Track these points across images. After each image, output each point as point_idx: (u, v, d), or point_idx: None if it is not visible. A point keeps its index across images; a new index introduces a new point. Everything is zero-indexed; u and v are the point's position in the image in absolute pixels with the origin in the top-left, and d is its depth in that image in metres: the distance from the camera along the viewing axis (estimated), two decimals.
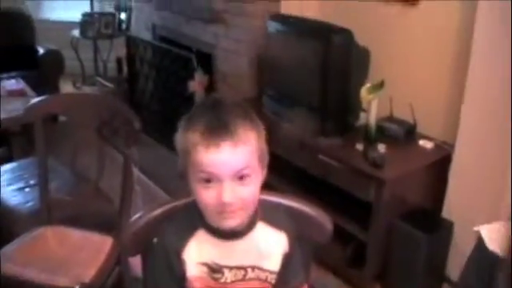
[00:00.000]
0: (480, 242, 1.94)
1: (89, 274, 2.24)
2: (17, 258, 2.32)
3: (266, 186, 1.38)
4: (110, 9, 6.04)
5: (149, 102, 4.96)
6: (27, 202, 2.86)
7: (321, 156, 2.97)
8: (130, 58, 5.13)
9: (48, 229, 2.50)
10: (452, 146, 2.83)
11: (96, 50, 6.04)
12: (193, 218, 1.37)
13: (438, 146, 2.93)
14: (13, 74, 4.18)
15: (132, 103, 4.92)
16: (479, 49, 2.58)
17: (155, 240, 1.42)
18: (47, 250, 2.41)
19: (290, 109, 3.25)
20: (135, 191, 2.53)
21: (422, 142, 2.96)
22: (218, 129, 1.23)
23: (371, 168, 2.72)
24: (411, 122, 3.01)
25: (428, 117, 3.01)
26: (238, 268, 1.39)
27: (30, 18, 5.06)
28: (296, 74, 3.15)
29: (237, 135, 1.23)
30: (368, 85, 2.92)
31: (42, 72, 4.66)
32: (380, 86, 2.87)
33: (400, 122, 3.04)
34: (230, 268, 1.38)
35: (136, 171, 2.77)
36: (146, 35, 4.97)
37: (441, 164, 2.86)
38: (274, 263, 1.41)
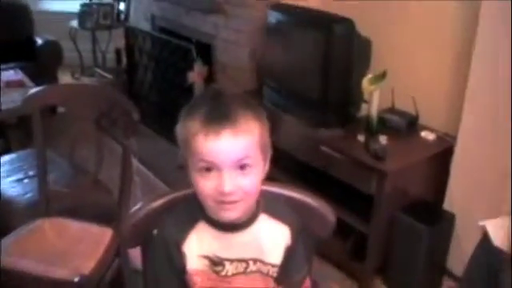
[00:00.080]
0: (485, 238, 1.92)
1: (88, 265, 2.22)
2: (15, 249, 2.30)
3: (266, 178, 1.35)
4: None
5: (148, 93, 4.95)
6: (26, 193, 2.84)
7: (322, 147, 2.95)
8: (129, 49, 5.11)
9: (46, 220, 2.49)
10: (454, 138, 2.81)
11: (95, 41, 6.00)
12: (193, 210, 1.35)
13: (439, 138, 2.92)
14: (11, 65, 4.15)
15: (131, 94, 4.91)
16: (482, 40, 2.56)
17: (155, 232, 1.40)
18: (46, 241, 2.40)
19: (291, 100, 3.23)
20: (134, 182, 2.52)
21: (423, 134, 2.94)
22: (218, 117, 1.21)
23: (373, 160, 2.70)
24: (413, 113, 2.99)
25: (430, 108, 2.99)
26: (240, 261, 1.37)
27: (29, 9, 5.03)
28: (297, 64, 3.13)
29: (237, 123, 1.21)
30: (370, 75, 2.90)
31: (41, 63, 4.64)
32: (382, 76, 2.85)
33: (402, 114, 3.01)
34: (231, 261, 1.36)
35: (135, 162, 2.75)
36: (145, 26, 4.95)
37: (443, 156, 2.84)
38: (275, 256, 1.39)
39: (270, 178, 1.37)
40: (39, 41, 4.83)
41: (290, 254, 1.40)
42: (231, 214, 1.28)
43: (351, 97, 3.01)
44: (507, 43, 2.41)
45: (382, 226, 2.82)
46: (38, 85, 3.27)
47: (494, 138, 2.57)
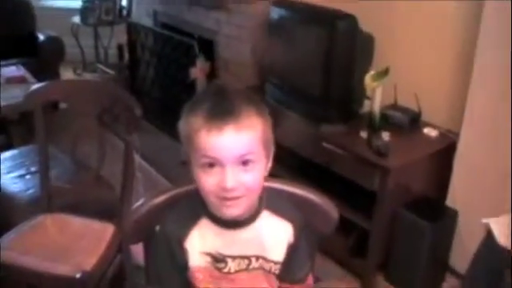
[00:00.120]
0: (489, 236, 1.91)
1: (90, 262, 2.22)
2: (17, 245, 2.30)
3: (269, 174, 1.35)
4: None
5: (150, 89, 4.94)
6: (28, 189, 2.84)
7: (324, 144, 2.94)
8: (131, 45, 5.10)
9: (48, 216, 2.49)
10: (457, 135, 2.80)
11: (97, 37, 5.99)
12: (195, 207, 1.34)
13: (442, 135, 2.91)
14: (13, 60, 4.15)
15: (133, 90, 4.90)
16: (485, 37, 2.55)
17: (157, 228, 1.39)
18: (48, 237, 2.40)
19: (293, 96, 3.22)
20: (136, 178, 2.51)
21: (426, 130, 2.93)
22: (221, 113, 1.20)
23: (375, 156, 2.69)
24: (416, 109, 2.98)
25: (433, 105, 2.98)
26: (242, 257, 1.36)
27: (30, 5, 5.02)
28: (299, 60, 3.12)
29: (240, 119, 1.20)
30: (372, 72, 2.88)
31: (43, 59, 4.63)
32: (385, 73, 2.84)
33: (404, 110, 3.01)
34: (234, 257, 1.36)
35: (137, 158, 2.75)
36: (147, 22, 4.94)
37: (445, 152, 2.83)
38: (278, 253, 1.39)
39: (272, 175, 1.37)
40: (41, 37, 4.81)
41: (292, 251, 1.40)
42: (233, 211, 1.27)
43: (354, 93, 3.01)
44: (510, 40, 2.40)
45: (384, 223, 2.81)
46: (39, 81, 3.28)
47: (497, 135, 2.56)
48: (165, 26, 4.73)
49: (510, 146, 2.45)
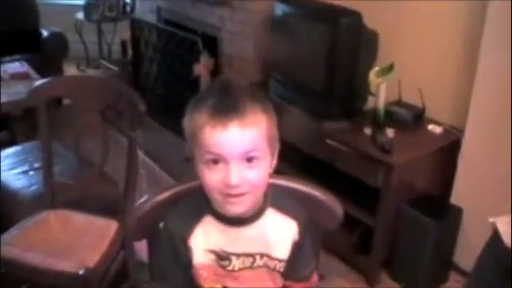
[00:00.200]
0: (495, 235, 1.89)
1: (93, 258, 2.22)
2: (20, 242, 2.30)
3: (273, 171, 1.34)
4: None
5: (153, 86, 4.93)
6: (31, 185, 2.84)
7: (328, 140, 2.94)
8: (135, 41, 5.09)
9: (51, 213, 2.48)
10: (461, 131, 2.79)
11: (100, 33, 5.99)
12: (199, 204, 1.33)
13: (446, 131, 2.90)
14: (17, 57, 4.16)
15: (136, 86, 4.90)
16: (490, 33, 2.54)
17: (161, 225, 1.38)
18: (51, 234, 2.40)
19: (297, 93, 3.21)
20: (140, 174, 2.51)
21: (430, 127, 2.92)
22: (226, 109, 1.19)
23: (379, 153, 2.69)
24: (420, 106, 2.97)
25: (437, 101, 2.97)
26: (246, 255, 1.36)
27: (34, 1, 5.01)
28: (303, 57, 3.11)
29: (245, 115, 1.20)
30: (376, 68, 2.88)
31: (46, 55, 4.62)
32: (389, 69, 2.83)
33: (409, 107, 3.00)
34: (238, 255, 1.35)
35: (141, 154, 2.74)
36: (151, 18, 4.93)
37: (450, 149, 2.83)
38: (283, 251, 1.38)
39: (275, 171, 1.36)
40: (45, 33, 4.81)
41: (297, 248, 1.39)
42: (237, 208, 1.26)
43: (358, 89, 3.00)
44: None
45: (388, 220, 2.81)
46: (43, 77, 3.27)
47: (502, 132, 2.55)
48: (168, 22, 4.72)
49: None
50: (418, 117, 2.97)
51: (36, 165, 2.95)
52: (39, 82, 2.56)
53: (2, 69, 3.75)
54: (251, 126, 1.20)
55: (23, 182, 2.87)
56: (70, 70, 5.54)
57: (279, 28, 3.29)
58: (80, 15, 5.69)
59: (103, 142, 2.49)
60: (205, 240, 1.33)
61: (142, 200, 1.49)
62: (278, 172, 1.37)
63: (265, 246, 1.36)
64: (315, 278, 1.47)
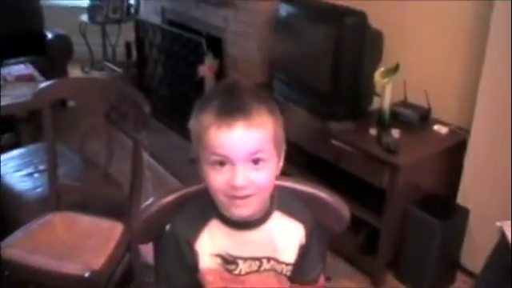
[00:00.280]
0: (503, 239, 1.88)
1: (98, 261, 2.22)
2: (25, 244, 2.30)
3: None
4: None
5: (158, 87, 4.93)
6: (36, 187, 2.83)
7: (333, 141, 2.93)
8: (139, 43, 5.09)
9: (57, 215, 2.48)
10: (467, 132, 2.78)
11: (104, 35, 6.00)
12: (205, 207, 1.32)
13: (452, 132, 2.89)
14: (21, 59, 4.16)
15: (141, 88, 4.90)
16: (496, 33, 2.53)
17: (167, 227, 1.38)
18: (56, 236, 2.40)
19: (302, 93, 3.21)
20: (145, 176, 2.50)
21: (436, 127, 2.91)
22: (232, 110, 1.18)
23: (385, 153, 2.68)
24: (426, 106, 2.97)
25: (443, 101, 2.96)
26: (253, 259, 1.35)
27: (39, 4, 5.02)
28: (308, 57, 3.10)
29: (251, 116, 1.19)
30: (382, 68, 2.87)
31: (51, 57, 4.63)
32: (394, 69, 2.82)
33: (414, 107, 2.99)
34: (245, 259, 1.34)
35: (146, 156, 2.74)
36: (155, 19, 4.93)
37: (456, 150, 2.82)
38: (290, 255, 1.37)
39: (281, 173, 1.35)
40: (49, 35, 4.81)
41: (304, 252, 1.38)
42: (243, 211, 1.26)
43: (363, 90, 2.99)
44: None
45: (394, 221, 2.79)
46: (48, 79, 3.27)
47: (508, 132, 2.54)
48: (172, 23, 4.72)
49: None
50: (424, 117, 2.96)
51: (41, 167, 2.95)
52: (44, 84, 2.56)
53: (7, 71, 3.75)
54: (257, 127, 1.19)
55: (28, 184, 2.87)
56: (75, 72, 5.55)
57: (283, 28, 3.29)
58: (84, 17, 5.70)
59: (108, 144, 2.48)
60: (211, 244, 1.32)
61: (148, 202, 1.48)
62: (282, 173, 1.36)
63: (272, 250, 1.35)
64: (322, 280, 1.46)
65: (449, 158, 2.84)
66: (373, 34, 2.93)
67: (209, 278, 1.34)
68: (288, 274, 1.38)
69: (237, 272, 1.35)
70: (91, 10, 5.62)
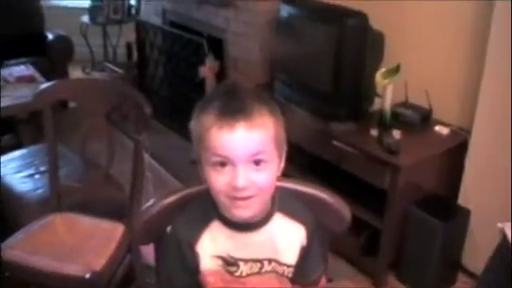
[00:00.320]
0: (504, 240, 1.88)
1: (99, 262, 2.21)
2: (25, 245, 2.30)
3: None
4: None
5: (159, 88, 4.93)
6: (37, 188, 2.83)
7: (334, 142, 2.92)
8: (140, 44, 5.09)
9: (57, 216, 2.48)
10: (468, 132, 2.78)
11: (105, 36, 6.00)
12: (206, 209, 1.32)
13: (454, 132, 2.88)
14: (22, 60, 4.16)
15: (142, 89, 4.89)
16: (498, 33, 2.52)
17: (168, 229, 1.37)
18: (57, 237, 2.39)
19: (303, 94, 3.20)
20: (146, 177, 2.50)
21: (437, 128, 2.90)
22: (233, 110, 1.18)
23: (386, 154, 2.67)
24: (427, 107, 2.96)
25: (444, 102, 2.96)
26: (254, 261, 1.34)
27: (39, 5, 5.02)
28: (309, 58, 3.10)
29: (252, 117, 1.18)
30: (383, 69, 2.87)
31: (52, 58, 4.63)
32: (396, 70, 2.82)
33: (415, 108, 2.99)
34: (246, 261, 1.34)
35: (147, 157, 2.74)
36: (156, 20, 4.93)
37: (457, 150, 2.81)
38: (291, 257, 1.37)
39: (282, 174, 1.35)
40: (50, 36, 4.81)
41: (305, 253, 1.38)
42: (244, 213, 1.25)
43: (364, 91, 2.99)
44: None
45: (395, 221, 2.79)
46: (48, 80, 3.27)
47: (509, 132, 2.53)
48: (173, 24, 4.71)
49: None
50: (425, 118, 2.95)
51: (42, 168, 2.95)
52: (45, 85, 2.56)
53: (7, 72, 3.75)
54: (258, 127, 1.19)
55: (29, 186, 2.87)
56: (76, 72, 5.55)
57: (285, 29, 3.28)
58: (85, 18, 5.70)
59: (109, 145, 2.48)
60: (212, 246, 1.32)
61: (149, 203, 1.48)
62: (284, 174, 1.35)
63: (273, 252, 1.35)
64: (323, 282, 1.46)
65: (450, 159, 2.84)
66: (374, 35, 2.93)
67: (210, 280, 1.34)
68: (289, 275, 1.38)
69: (238, 274, 1.34)
70: (92, 11, 5.62)
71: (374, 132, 2.86)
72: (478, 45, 2.71)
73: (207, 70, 4.11)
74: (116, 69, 5.89)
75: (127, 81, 5.26)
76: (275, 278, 1.37)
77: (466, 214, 2.79)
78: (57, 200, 2.50)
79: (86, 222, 2.47)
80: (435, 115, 2.97)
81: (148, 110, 2.29)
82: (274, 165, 1.25)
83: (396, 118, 2.93)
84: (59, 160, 2.55)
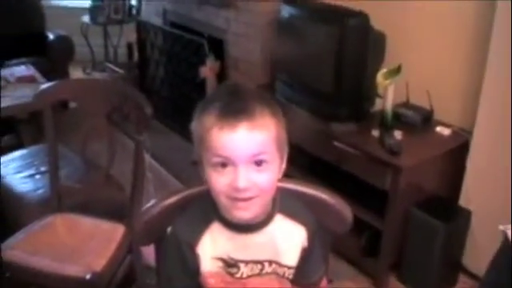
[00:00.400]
0: (506, 243, 1.88)
1: (100, 262, 2.21)
2: (26, 246, 2.29)
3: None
4: None
5: (159, 88, 4.93)
6: (37, 189, 2.83)
7: (335, 143, 2.92)
8: (141, 44, 5.09)
9: (58, 216, 2.48)
10: (469, 133, 2.77)
11: (106, 36, 6.00)
12: (207, 210, 1.32)
13: (455, 133, 2.88)
14: (23, 60, 4.17)
15: (142, 89, 4.89)
16: (499, 34, 2.52)
17: (169, 229, 1.37)
18: (57, 238, 2.39)
19: (304, 94, 3.20)
20: (147, 178, 2.49)
21: (439, 129, 2.90)
22: (234, 111, 1.18)
23: (387, 155, 2.67)
24: (428, 108, 2.96)
25: (445, 103, 2.95)
26: (255, 262, 1.34)
27: (40, 5, 5.02)
28: (310, 58, 3.10)
29: (254, 118, 1.18)
30: (384, 70, 2.86)
31: (52, 58, 4.63)
32: (397, 71, 2.81)
33: (417, 109, 2.98)
34: (246, 262, 1.33)
35: (147, 157, 2.73)
36: (157, 20, 4.93)
37: (458, 151, 2.81)
38: (292, 258, 1.36)
39: (283, 174, 1.34)
40: (51, 36, 4.82)
41: (306, 254, 1.37)
42: (244, 214, 1.25)
43: (365, 91, 2.98)
44: None
45: (396, 222, 2.78)
46: (49, 80, 3.28)
47: (510, 133, 2.53)
48: (174, 24, 4.71)
49: None
50: (426, 119, 2.95)
51: (42, 168, 2.94)
52: (45, 85, 2.56)
53: (8, 72, 3.75)
54: (260, 128, 1.18)
55: (29, 186, 2.86)
56: (76, 73, 5.55)
57: (285, 30, 3.28)
58: (86, 18, 5.70)
59: (109, 145, 2.48)
60: (212, 247, 1.32)
61: (150, 204, 1.48)
62: (284, 175, 1.35)
63: (274, 253, 1.34)
64: (324, 283, 1.46)
65: (451, 160, 2.83)
66: (375, 35, 2.93)
67: (210, 282, 1.33)
68: (290, 277, 1.37)
69: (238, 275, 1.34)
70: (93, 11, 5.62)
71: (375, 133, 2.85)
72: (479, 45, 2.70)
73: (208, 70, 4.10)
74: (117, 69, 5.89)
75: (128, 81, 5.26)
76: (276, 279, 1.36)
77: (467, 214, 2.78)
78: (57, 200, 2.50)
79: (86, 222, 2.47)
80: (436, 116, 2.97)
81: (149, 110, 2.29)
82: (276, 166, 1.25)
83: (397, 119, 2.93)
84: (60, 160, 2.54)
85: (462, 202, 2.82)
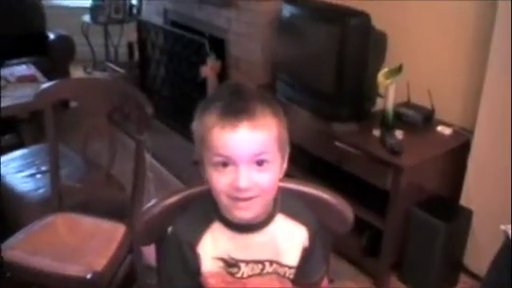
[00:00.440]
0: (507, 242, 1.87)
1: (100, 262, 2.21)
2: (26, 245, 2.29)
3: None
4: None
5: (160, 88, 4.93)
6: (38, 188, 2.83)
7: (336, 142, 2.92)
8: (142, 43, 5.09)
9: (59, 216, 2.48)
10: (471, 132, 2.77)
11: (107, 36, 6.00)
12: (208, 210, 1.31)
13: (456, 133, 2.87)
14: (23, 59, 4.16)
15: (143, 89, 4.89)
16: (500, 33, 2.52)
17: (169, 229, 1.36)
18: (58, 237, 2.39)
19: (305, 94, 3.19)
20: (147, 178, 2.50)
21: (440, 128, 2.89)
22: (236, 110, 1.17)
23: (389, 155, 2.66)
24: (429, 107, 2.95)
25: (446, 102, 2.95)
26: (256, 262, 1.33)
27: (41, 4, 5.02)
28: (311, 58, 3.09)
29: (255, 117, 1.18)
30: (385, 69, 2.85)
31: (53, 58, 4.64)
32: (398, 70, 2.80)
33: (418, 108, 2.98)
34: (247, 262, 1.33)
35: (148, 157, 2.73)
36: (158, 20, 4.93)
37: (459, 151, 2.81)
38: (292, 258, 1.36)
39: (284, 174, 1.34)
40: (51, 36, 4.82)
41: (307, 254, 1.37)
42: (245, 214, 1.24)
43: (366, 91, 2.98)
44: None
45: (397, 222, 2.78)
46: (50, 79, 3.27)
47: (511, 132, 2.53)
48: (175, 24, 4.71)
49: None
50: (428, 118, 2.95)
51: (43, 168, 2.94)
52: (46, 84, 2.56)
53: (8, 71, 3.75)
54: (261, 128, 1.18)
55: (30, 185, 2.86)
56: (77, 72, 5.56)
57: (287, 29, 3.28)
58: (86, 18, 5.70)
59: (110, 145, 2.48)
60: (213, 247, 1.31)
61: (150, 204, 1.47)
62: (285, 175, 1.34)
63: (274, 253, 1.34)
64: (325, 283, 1.45)
65: (452, 159, 2.83)
66: (376, 35, 2.92)
67: (211, 281, 1.33)
68: (291, 277, 1.37)
69: (239, 275, 1.33)
70: (93, 11, 5.62)
71: (377, 132, 2.85)
72: (480, 45, 2.70)
73: (209, 69, 4.10)
74: (117, 68, 5.89)
75: (129, 80, 5.26)
76: (276, 279, 1.36)
77: (468, 214, 2.78)
78: (58, 200, 2.50)
79: (87, 222, 2.47)
80: (438, 115, 2.96)
81: (149, 109, 2.29)
82: (277, 166, 1.25)
83: (398, 119, 2.92)
84: (60, 160, 2.54)
85: (463, 201, 2.81)
